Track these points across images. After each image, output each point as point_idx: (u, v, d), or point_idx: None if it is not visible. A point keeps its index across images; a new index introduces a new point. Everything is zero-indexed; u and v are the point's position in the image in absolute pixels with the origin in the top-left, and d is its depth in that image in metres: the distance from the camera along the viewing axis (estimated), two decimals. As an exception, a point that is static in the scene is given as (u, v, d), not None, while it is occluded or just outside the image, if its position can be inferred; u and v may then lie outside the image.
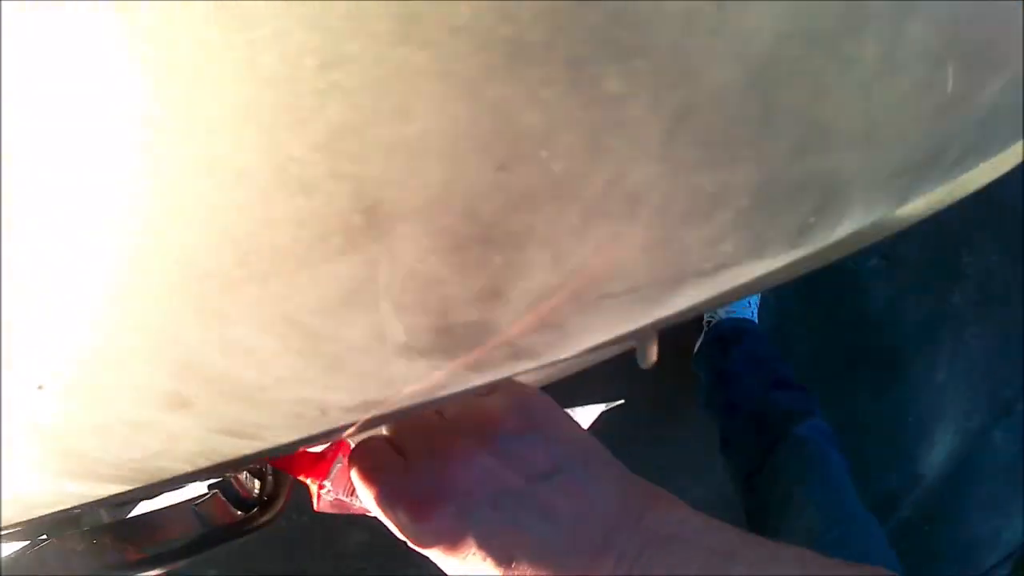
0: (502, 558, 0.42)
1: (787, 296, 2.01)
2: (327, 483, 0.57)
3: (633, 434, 2.06)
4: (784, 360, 1.77)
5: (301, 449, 0.57)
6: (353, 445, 0.50)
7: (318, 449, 0.58)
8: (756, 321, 1.89)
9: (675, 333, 1.93)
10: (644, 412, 2.04)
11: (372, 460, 0.48)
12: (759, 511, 1.41)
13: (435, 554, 0.44)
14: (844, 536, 1.20)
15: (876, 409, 2.13)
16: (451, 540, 0.43)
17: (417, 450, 0.47)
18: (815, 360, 2.06)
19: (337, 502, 0.58)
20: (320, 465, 0.57)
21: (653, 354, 0.39)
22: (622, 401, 0.74)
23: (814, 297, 2.03)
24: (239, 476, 0.64)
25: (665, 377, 1.99)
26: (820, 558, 0.42)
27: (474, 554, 0.43)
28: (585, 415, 0.68)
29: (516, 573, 0.42)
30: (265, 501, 0.64)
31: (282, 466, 0.60)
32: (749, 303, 1.87)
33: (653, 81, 0.23)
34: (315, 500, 0.58)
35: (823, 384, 2.05)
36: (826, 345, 2.06)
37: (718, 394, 1.74)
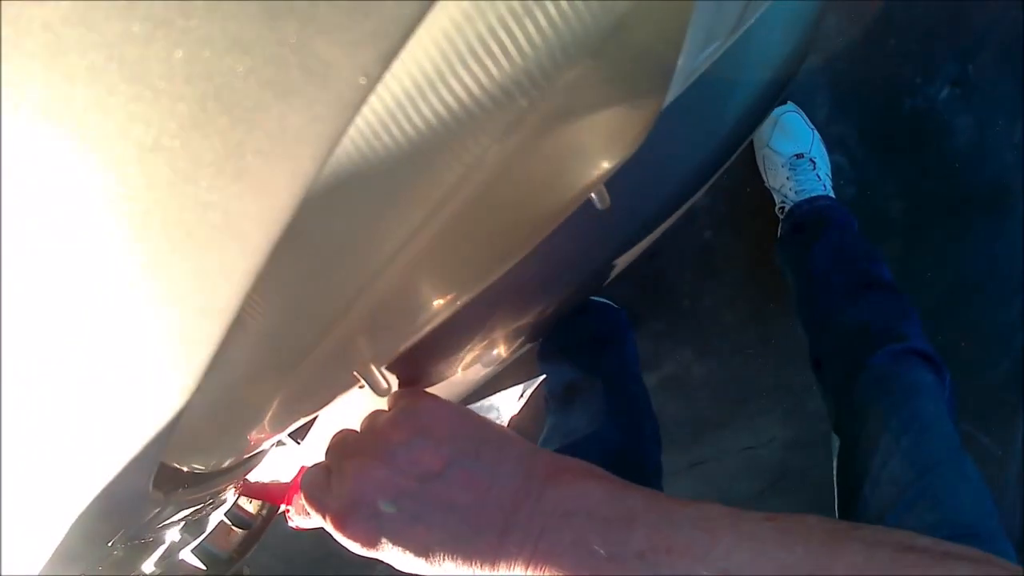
0: (419, 551, 0.48)
1: (863, 159, 1.82)
2: (290, 508, 0.67)
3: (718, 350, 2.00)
4: (873, 251, 1.62)
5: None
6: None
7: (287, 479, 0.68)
8: (833, 196, 1.72)
9: (752, 225, 1.80)
10: (729, 319, 1.94)
11: (308, 483, 0.54)
12: (847, 453, 1.32)
13: (368, 554, 0.50)
14: (931, 486, 1.12)
15: (990, 254, 1.93)
16: (368, 543, 0.49)
17: (335, 470, 0.53)
18: (911, 219, 1.87)
19: (299, 524, 0.66)
20: (286, 492, 0.67)
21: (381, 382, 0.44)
22: (543, 377, 0.77)
23: (891, 150, 1.83)
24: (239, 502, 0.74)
25: (752, 276, 1.87)
26: (728, 514, 0.45)
27: (393, 550, 0.48)
28: (509, 396, 0.73)
29: (437, 561, 0.47)
30: (264, 517, 0.75)
31: (256, 495, 0.71)
32: (819, 176, 1.70)
33: None
34: (288, 520, 0.68)
35: (927, 243, 1.88)
36: (919, 199, 1.87)
37: (805, 305, 1.62)
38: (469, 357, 0.69)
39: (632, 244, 0.69)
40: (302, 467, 0.63)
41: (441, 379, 0.68)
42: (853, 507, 1.21)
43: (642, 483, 1.33)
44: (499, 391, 0.70)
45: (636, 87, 0.29)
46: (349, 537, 0.49)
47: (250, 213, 0.23)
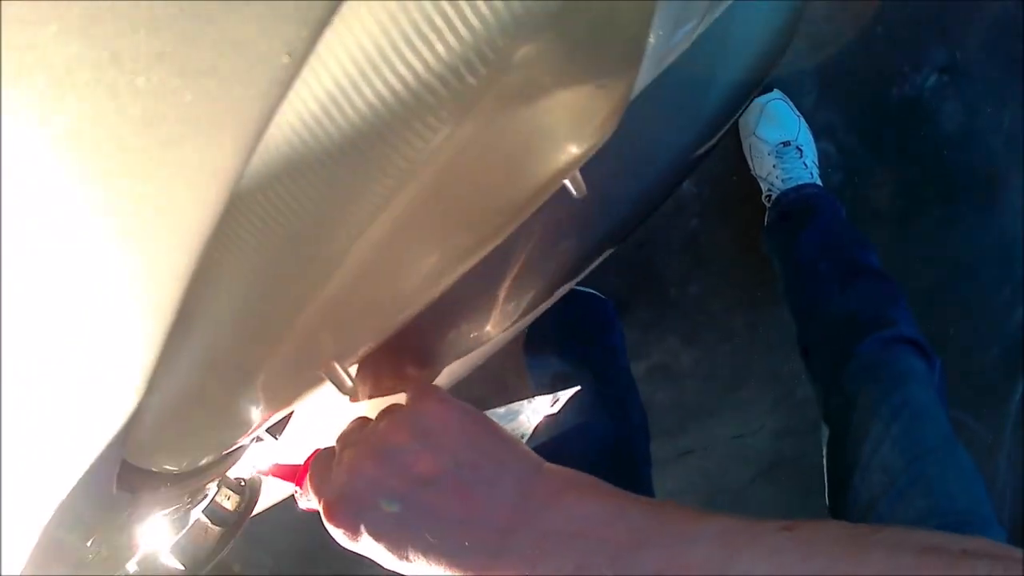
0: (398, 552, 0.47)
1: (849, 146, 1.81)
2: (298, 489, 0.66)
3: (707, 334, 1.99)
4: (861, 238, 1.62)
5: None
6: None
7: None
8: (820, 183, 1.71)
9: (739, 213, 1.80)
10: (716, 307, 1.94)
11: (313, 466, 0.57)
12: (836, 442, 1.32)
13: (350, 547, 0.50)
14: (922, 473, 1.12)
15: (979, 242, 1.93)
16: (351, 536, 0.49)
17: (337, 458, 0.54)
18: (899, 206, 1.87)
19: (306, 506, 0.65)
20: (298, 473, 0.66)
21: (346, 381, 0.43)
22: (578, 388, 0.75)
23: (878, 137, 1.82)
24: (217, 499, 0.72)
25: (740, 264, 1.87)
26: (744, 528, 0.42)
27: (374, 549, 0.48)
28: (538, 404, 0.70)
29: (414, 564, 0.47)
30: (242, 512, 0.73)
31: (271, 474, 0.70)
32: (806, 164, 1.69)
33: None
34: (296, 502, 0.66)
35: (915, 230, 1.87)
36: (907, 186, 1.86)
37: (793, 293, 1.62)
38: (449, 354, 0.68)
39: (614, 234, 0.68)
40: (316, 450, 0.62)
41: (424, 376, 0.67)
42: (843, 495, 1.21)
43: (632, 474, 1.33)
44: (526, 398, 0.68)
45: (601, 66, 0.28)
46: (335, 527, 0.50)
47: (179, 205, 0.22)
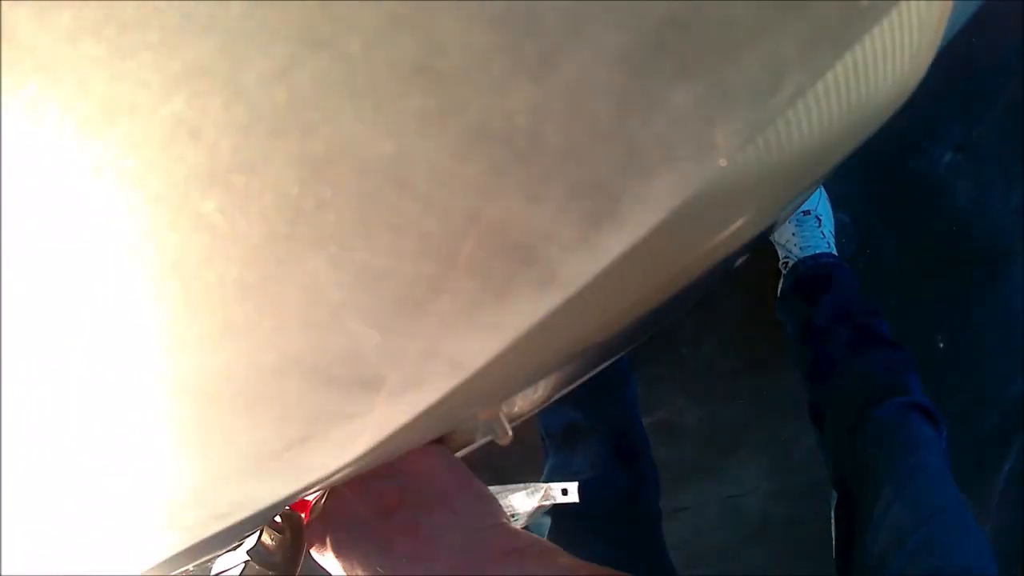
0: (351, 573, 0.50)
1: (864, 217, 1.85)
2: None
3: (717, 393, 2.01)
4: (874, 308, 1.65)
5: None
6: None
7: None
8: (836, 254, 1.74)
9: (752, 277, 1.82)
10: (725, 368, 1.95)
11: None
12: (847, 501, 1.34)
13: (319, 560, 0.54)
14: (932, 534, 1.14)
15: (986, 314, 1.97)
16: (319, 550, 0.53)
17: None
18: (909, 277, 1.90)
19: None
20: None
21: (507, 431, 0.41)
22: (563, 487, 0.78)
23: (894, 211, 1.86)
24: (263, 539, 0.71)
25: (750, 327, 1.89)
26: None
27: (336, 565, 0.51)
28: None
29: None
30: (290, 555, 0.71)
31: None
32: (824, 233, 1.73)
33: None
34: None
35: (924, 301, 1.91)
36: (918, 258, 1.90)
37: (807, 358, 1.63)
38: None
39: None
40: None
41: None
42: (852, 553, 1.23)
43: (647, 527, 1.34)
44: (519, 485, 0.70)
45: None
46: (309, 539, 0.54)
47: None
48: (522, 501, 0.70)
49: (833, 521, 1.36)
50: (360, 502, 0.52)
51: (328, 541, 0.52)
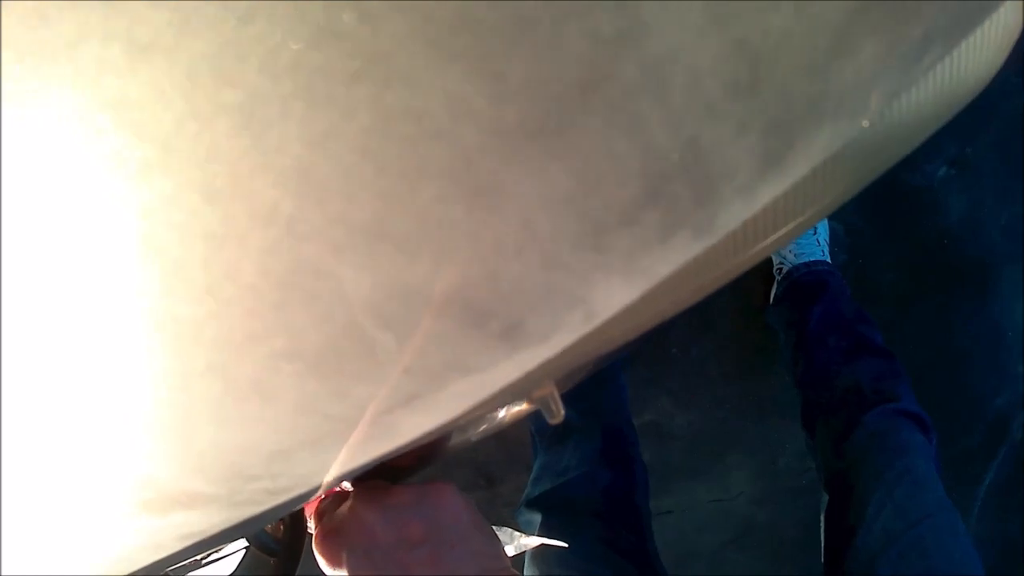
0: None
1: (858, 228, 1.87)
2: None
3: (706, 397, 2.02)
4: (867, 317, 1.67)
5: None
6: None
7: None
8: (830, 261, 1.76)
9: (745, 282, 1.83)
10: (715, 372, 1.96)
11: (324, 500, 0.63)
12: (838, 505, 1.36)
13: (328, 572, 0.55)
14: (922, 536, 1.16)
15: (973, 329, 2.00)
16: (332, 565, 0.55)
17: (350, 495, 0.58)
18: (900, 288, 1.93)
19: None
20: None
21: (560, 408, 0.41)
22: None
23: (887, 223, 1.89)
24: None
25: (741, 332, 1.90)
26: None
27: None
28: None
29: None
30: (288, 543, 0.73)
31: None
32: (819, 241, 1.75)
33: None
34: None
35: (914, 313, 1.93)
36: (909, 271, 1.93)
37: (799, 364, 1.65)
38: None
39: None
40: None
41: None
42: (842, 557, 1.24)
43: (637, 525, 1.34)
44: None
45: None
46: (322, 553, 0.56)
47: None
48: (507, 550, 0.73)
49: (823, 524, 1.37)
50: (384, 530, 0.53)
51: (344, 560, 0.53)
